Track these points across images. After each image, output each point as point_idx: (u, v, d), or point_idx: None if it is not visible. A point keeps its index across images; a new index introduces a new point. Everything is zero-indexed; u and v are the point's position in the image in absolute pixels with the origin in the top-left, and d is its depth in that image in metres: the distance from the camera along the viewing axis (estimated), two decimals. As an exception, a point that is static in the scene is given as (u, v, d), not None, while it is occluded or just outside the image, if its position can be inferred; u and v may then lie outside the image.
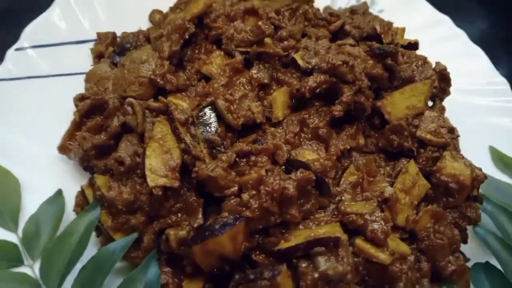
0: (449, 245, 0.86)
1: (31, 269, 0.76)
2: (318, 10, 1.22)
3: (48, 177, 0.90)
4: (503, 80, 1.19)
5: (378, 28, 1.10)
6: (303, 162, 0.84)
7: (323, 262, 0.70)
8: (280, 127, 0.94)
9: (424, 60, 1.11)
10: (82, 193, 0.84)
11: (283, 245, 0.74)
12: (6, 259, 0.74)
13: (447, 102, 1.11)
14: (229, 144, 0.86)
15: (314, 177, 0.79)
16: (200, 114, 0.86)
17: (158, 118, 0.84)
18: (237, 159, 0.84)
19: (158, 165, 0.80)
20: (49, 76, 0.99)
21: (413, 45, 1.16)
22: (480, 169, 0.93)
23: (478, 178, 0.91)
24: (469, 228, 0.95)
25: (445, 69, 1.08)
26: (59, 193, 0.86)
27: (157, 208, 0.82)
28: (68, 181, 0.90)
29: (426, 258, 0.85)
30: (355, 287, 0.72)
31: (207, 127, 0.85)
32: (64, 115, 0.95)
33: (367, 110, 0.97)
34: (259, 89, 0.96)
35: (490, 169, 1.09)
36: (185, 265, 0.78)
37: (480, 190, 0.97)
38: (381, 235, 0.76)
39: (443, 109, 1.09)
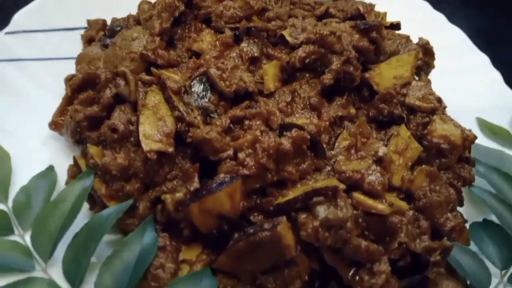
0: (446, 203, 0.86)
1: (22, 239, 0.73)
2: None
3: (39, 155, 0.88)
4: (483, 56, 1.23)
5: (361, 8, 1.14)
6: (297, 124, 0.84)
7: (322, 211, 0.70)
8: (272, 98, 0.95)
9: (407, 38, 1.15)
10: (75, 163, 0.82)
11: (281, 199, 0.74)
12: (-4, 227, 0.71)
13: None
14: (223, 111, 0.87)
15: (308, 136, 0.80)
16: (193, 83, 0.87)
17: (151, 88, 0.85)
18: (231, 125, 0.84)
19: (152, 131, 0.80)
20: (40, 59, 1.00)
21: (396, 26, 1.20)
22: (470, 130, 0.95)
23: (469, 138, 0.92)
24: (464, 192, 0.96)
25: (427, 43, 1.12)
26: (50, 168, 0.84)
27: (152, 175, 0.80)
28: (59, 158, 0.89)
29: (425, 216, 0.84)
30: (356, 239, 0.71)
31: (200, 95, 0.86)
32: (55, 96, 0.95)
33: (356, 79, 0.99)
34: (250, 62, 0.97)
35: (479, 140, 1.11)
36: (183, 228, 0.76)
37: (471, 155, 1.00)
38: (379, 186, 0.76)
39: (429, 82, 1.12)
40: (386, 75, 1.02)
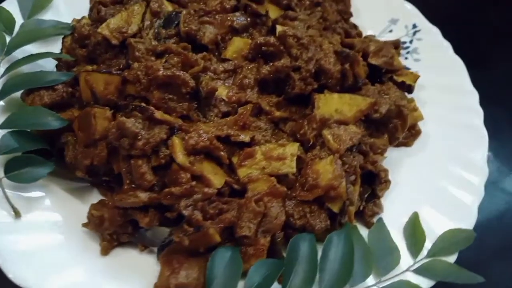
0: (261, 218, 0.84)
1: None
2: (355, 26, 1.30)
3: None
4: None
5: (371, 47, 1.12)
6: (199, 74, 0.95)
7: (128, 120, 0.82)
8: (222, 66, 1.06)
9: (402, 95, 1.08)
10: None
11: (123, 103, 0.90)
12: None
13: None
14: (170, 43, 1.05)
15: (191, 83, 0.91)
16: (169, 14, 1.08)
17: (141, 2, 1.10)
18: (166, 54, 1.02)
19: (114, 25, 1.04)
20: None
21: (407, 87, 1.13)
22: (349, 187, 0.87)
23: (336, 189, 0.86)
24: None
25: (403, 105, 1.03)
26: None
27: (97, 54, 1.05)
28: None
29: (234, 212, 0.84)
30: (137, 161, 0.81)
31: (164, 24, 1.06)
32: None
33: (295, 88, 1.01)
34: (230, 30, 1.11)
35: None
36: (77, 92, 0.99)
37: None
38: (191, 141, 0.82)
39: (384, 143, 1.03)
40: (331, 104, 1.01)
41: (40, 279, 0.77)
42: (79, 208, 0.90)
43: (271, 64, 1.02)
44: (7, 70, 1.00)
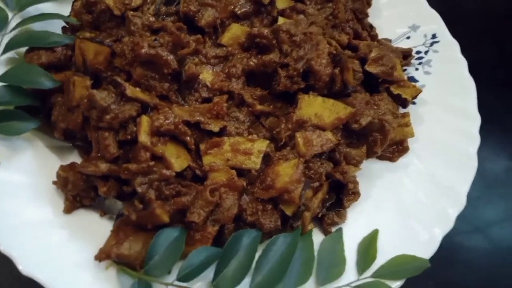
0: (213, 207, 0.86)
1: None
2: (371, 26, 1.25)
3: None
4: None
5: (372, 54, 1.08)
6: (187, 57, 0.97)
7: (100, 93, 0.86)
8: (214, 51, 1.06)
9: (393, 110, 1.04)
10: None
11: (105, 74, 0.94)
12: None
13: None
14: (169, 21, 1.07)
15: (173, 65, 0.93)
16: (172, -7, 1.09)
17: (148, -22, 1.11)
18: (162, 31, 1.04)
19: (119, -3, 1.08)
20: None
21: (402, 100, 1.09)
22: (304, 193, 0.87)
23: (291, 193, 0.86)
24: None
25: (387, 120, 0.99)
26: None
27: (101, 22, 1.09)
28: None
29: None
30: (102, 132, 0.86)
31: (166, 1, 1.08)
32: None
33: (280, 85, 1.00)
34: (230, 16, 1.11)
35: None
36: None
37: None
38: (156, 123, 0.85)
39: (361, 155, 1.01)
40: (313, 107, 0.99)
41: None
42: (57, 165, 0.97)
43: (259, 56, 1.01)
44: (17, 26, 1.07)
